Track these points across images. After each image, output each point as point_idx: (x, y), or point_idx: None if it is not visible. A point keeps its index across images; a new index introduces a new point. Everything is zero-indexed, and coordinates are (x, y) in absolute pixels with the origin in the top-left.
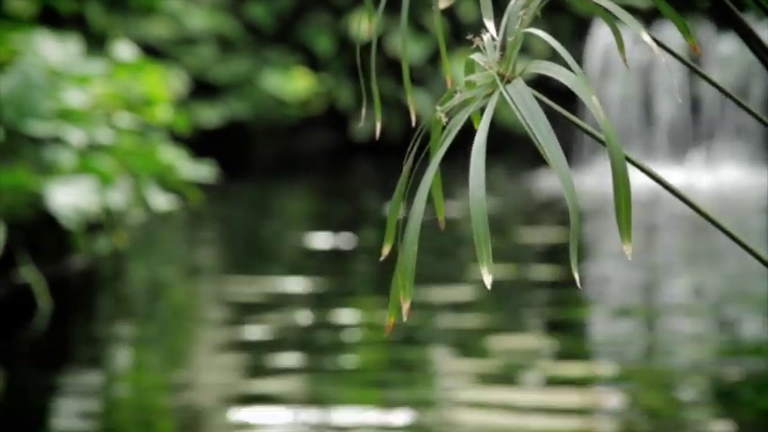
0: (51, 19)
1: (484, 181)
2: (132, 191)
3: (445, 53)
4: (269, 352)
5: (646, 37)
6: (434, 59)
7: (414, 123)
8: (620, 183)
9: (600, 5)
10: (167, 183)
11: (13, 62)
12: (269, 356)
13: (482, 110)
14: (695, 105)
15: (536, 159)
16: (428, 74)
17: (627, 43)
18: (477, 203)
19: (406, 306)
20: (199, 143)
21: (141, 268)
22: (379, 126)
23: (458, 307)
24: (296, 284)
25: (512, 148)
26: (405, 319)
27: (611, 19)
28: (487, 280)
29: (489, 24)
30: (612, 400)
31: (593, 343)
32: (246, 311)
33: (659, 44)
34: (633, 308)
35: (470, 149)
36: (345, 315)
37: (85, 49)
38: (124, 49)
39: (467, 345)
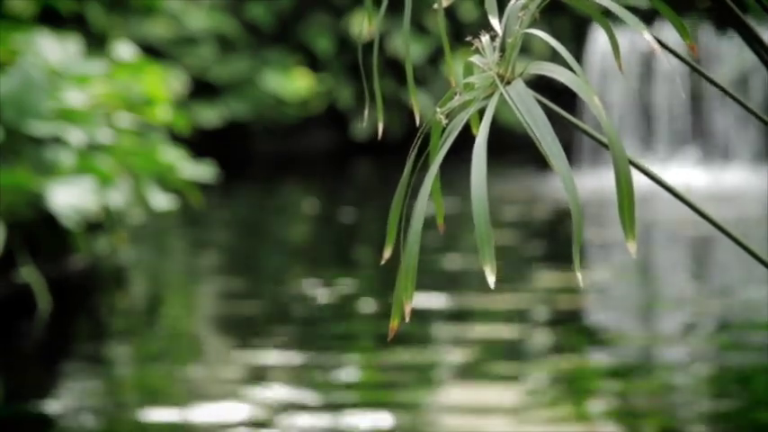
0: (51, 19)
1: (485, 179)
2: (132, 191)
3: (448, 51)
4: (270, 349)
5: (647, 36)
6: (434, 60)
7: (418, 123)
8: (623, 182)
9: (598, 5)
10: (167, 183)
11: (13, 62)
12: (270, 353)
13: (481, 111)
14: (695, 105)
15: (535, 161)
16: (428, 74)
17: (624, 47)
18: (479, 202)
19: (408, 308)
20: (199, 143)
21: (141, 268)
22: (381, 126)
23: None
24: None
25: (510, 150)
26: (407, 320)
27: (607, 23)
28: (490, 280)
29: (494, 22)
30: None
31: (591, 343)
32: (246, 311)
33: (660, 43)
34: (632, 308)
35: (469, 153)
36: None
37: (85, 49)
38: (124, 49)
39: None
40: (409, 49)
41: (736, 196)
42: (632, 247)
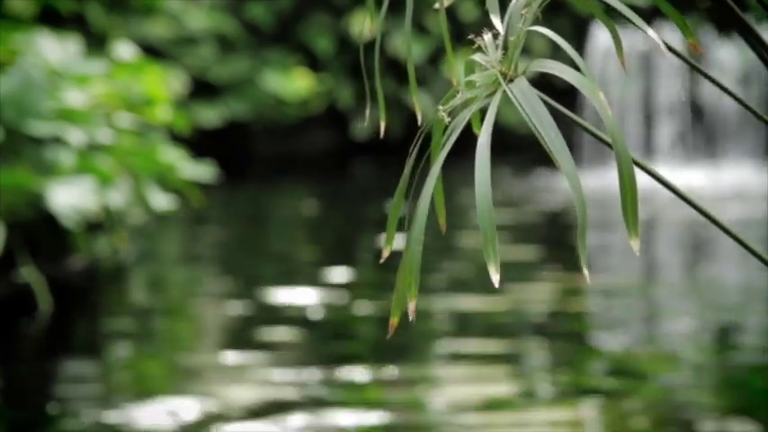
0: (51, 19)
1: (489, 178)
2: (132, 191)
3: (450, 51)
4: (270, 351)
5: (651, 33)
6: (434, 59)
7: (419, 122)
8: (626, 180)
9: (600, 5)
10: (167, 183)
11: (13, 62)
12: (272, 351)
13: (482, 110)
14: (695, 105)
15: (538, 160)
16: (428, 74)
17: (624, 47)
18: (483, 200)
19: (411, 305)
20: (199, 143)
21: (141, 268)
22: (383, 125)
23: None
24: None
25: (512, 149)
26: (411, 318)
27: (610, 21)
28: (495, 278)
29: (496, 21)
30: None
31: (593, 342)
32: (245, 310)
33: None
34: (632, 307)
35: (468, 154)
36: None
37: (85, 49)
38: (124, 49)
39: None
40: (410, 49)
41: (736, 196)
42: (636, 244)
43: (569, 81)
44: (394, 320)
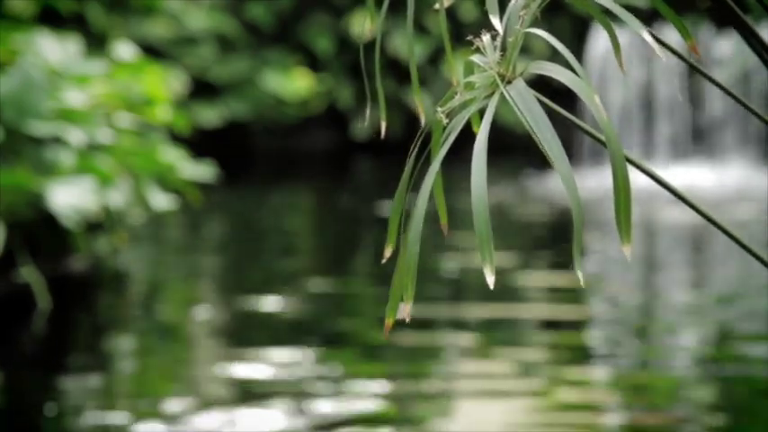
0: (51, 19)
1: (485, 179)
2: (132, 191)
3: (450, 51)
4: (270, 351)
5: (647, 36)
6: (434, 60)
7: (420, 122)
8: (621, 184)
9: (598, 5)
10: (167, 183)
11: (13, 62)
12: (269, 353)
13: (481, 111)
14: (695, 106)
15: (534, 162)
16: (428, 74)
17: (625, 47)
18: (479, 202)
19: (406, 307)
20: (199, 143)
21: (141, 268)
22: (383, 125)
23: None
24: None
25: (510, 150)
26: (406, 320)
27: (608, 22)
28: (490, 280)
29: (495, 21)
30: (611, 400)
31: (592, 344)
32: (245, 311)
33: (661, 43)
34: (632, 308)
35: (468, 153)
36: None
37: (85, 49)
38: (124, 49)
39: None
40: (413, 49)
41: (736, 196)
42: (627, 250)
43: (565, 83)
44: (389, 322)
